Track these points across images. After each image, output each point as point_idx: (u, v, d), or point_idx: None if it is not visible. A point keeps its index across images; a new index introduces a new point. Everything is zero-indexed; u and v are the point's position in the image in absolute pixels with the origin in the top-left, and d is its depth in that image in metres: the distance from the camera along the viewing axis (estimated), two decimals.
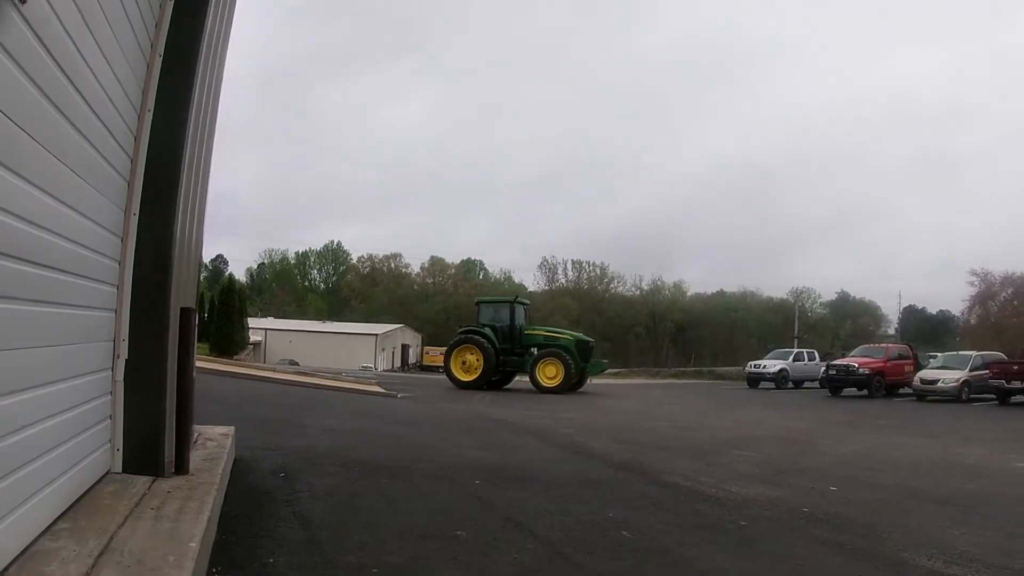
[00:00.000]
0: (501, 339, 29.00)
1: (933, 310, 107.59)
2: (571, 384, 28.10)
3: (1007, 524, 7.40)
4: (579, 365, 28.56)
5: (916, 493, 9.11)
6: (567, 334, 30.88)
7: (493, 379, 28.71)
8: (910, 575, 5.46)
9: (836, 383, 33.71)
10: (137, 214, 5.07)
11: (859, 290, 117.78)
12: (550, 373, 28.05)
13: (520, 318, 30.38)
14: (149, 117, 5.18)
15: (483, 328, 29.35)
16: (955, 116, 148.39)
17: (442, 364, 32.31)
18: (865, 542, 6.32)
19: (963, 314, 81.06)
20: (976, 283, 75.55)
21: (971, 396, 30.32)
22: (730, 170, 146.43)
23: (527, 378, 28.79)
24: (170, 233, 5.20)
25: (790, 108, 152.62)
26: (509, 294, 41.80)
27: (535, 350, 28.92)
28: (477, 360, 28.33)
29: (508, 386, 30.08)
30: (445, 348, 32.32)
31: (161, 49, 5.28)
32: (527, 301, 33.31)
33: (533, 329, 31.05)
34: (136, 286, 5.06)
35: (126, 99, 4.82)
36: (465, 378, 28.32)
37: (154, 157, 5.16)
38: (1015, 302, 75.05)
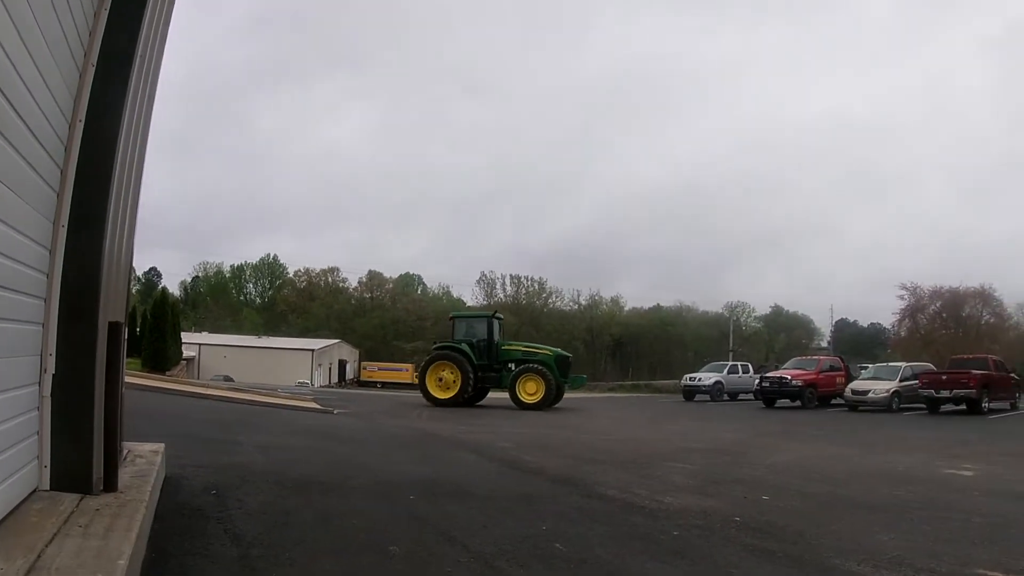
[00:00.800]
0: (478, 355, 28.47)
1: (865, 323, 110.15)
2: (551, 400, 27.76)
3: (935, 529, 7.57)
4: (559, 380, 28.30)
5: (846, 501, 9.27)
6: (546, 349, 30.51)
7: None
8: None
9: (770, 395, 34.17)
10: (66, 226, 4.98)
11: (793, 304, 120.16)
12: (530, 389, 27.67)
13: (496, 333, 29.89)
14: (80, 127, 5.10)
15: (459, 344, 28.80)
16: (885, 137, 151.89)
17: (381, 380, 31.99)
18: (795, 549, 6.42)
19: (893, 327, 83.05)
20: (906, 297, 77.69)
21: (901, 406, 30.97)
22: (667, 188, 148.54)
23: (503, 394, 28.54)
24: (99, 246, 5.12)
25: (726, 129, 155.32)
26: (471, 308, 41.39)
27: (512, 366, 28.48)
28: (454, 376, 27.65)
29: (481, 403, 29.67)
30: (383, 363, 32.02)
31: (94, 59, 5.20)
32: (502, 316, 32.82)
33: (510, 344, 30.72)
34: (64, 299, 4.96)
35: (57, 109, 4.75)
36: (441, 395, 27.59)
37: (85, 168, 5.07)
38: (943, 315, 77.24)
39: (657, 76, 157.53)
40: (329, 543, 5.70)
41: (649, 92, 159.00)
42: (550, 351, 30.01)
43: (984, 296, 76.67)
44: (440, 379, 27.90)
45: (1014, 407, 31.99)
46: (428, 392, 27.98)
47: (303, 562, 5.14)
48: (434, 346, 30.96)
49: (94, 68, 5.20)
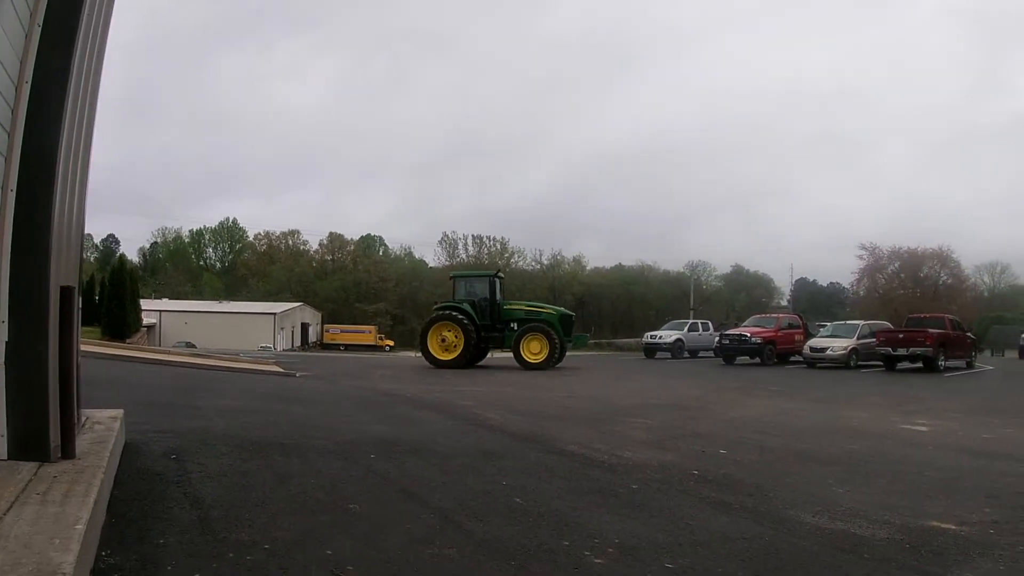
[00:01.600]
0: (480, 315, 28.15)
1: (824, 282, 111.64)
2: (556, 359, 27.63)
3: (888, 481, 7.74)
4: (563, 339, 28.06)
5: (803, 454, 9.44)
6: (549, 308, 30.35)
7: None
8: (795, 531, 5.66)
9: (730, 352, 34.49)
10: (14, 190, 4.91)
11: (753, 264, 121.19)
12: (534, 349, 27.53)
13: (498, 293, 29.59)
14: (27, 89, 5.01)
15: (461, 304, 28.49)
16: (848, 102, 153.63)
17: (344, 343, 31.64)
18: (752, 501, 6.53)
19: (852, 286, 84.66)
20: (865, 257, 79.09)
21: (859, 363, 31.43)
22: (631, 148, 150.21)
23: (502, 354, 28.45)
24: (49, 210, 5.05)
25: (691, 91, 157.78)
26: (471, 270, 40.72)
27: (515, 325, 28.23)
28: (456, 337, 27.41)
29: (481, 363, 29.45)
30: (346, 326, 31.61)
31: (40, 19, 5.10)
32: (503, 275, 32.25)
33: (512, 304, 30.40)
34: (14, 265, 4.90)
35: (3, 71, 4.67)
36: (444, 357, 27.35)
37: (32, 131, 4.99)
38: (902, 274, 78.58)
39: (622, 38, 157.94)
40: (288, 503, 5.71)
41: (614, 54, 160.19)
42: (553, 310, 29.94)
43: (942, 257, 78.17)
44: (443, 340, 27.66)
45: (970, 365, 32.70)
46: (430, 354, 27.75)
47: (262, 523, 5.15)
48: (435, 306, 30.61)
49: (40, 28, 5.11)
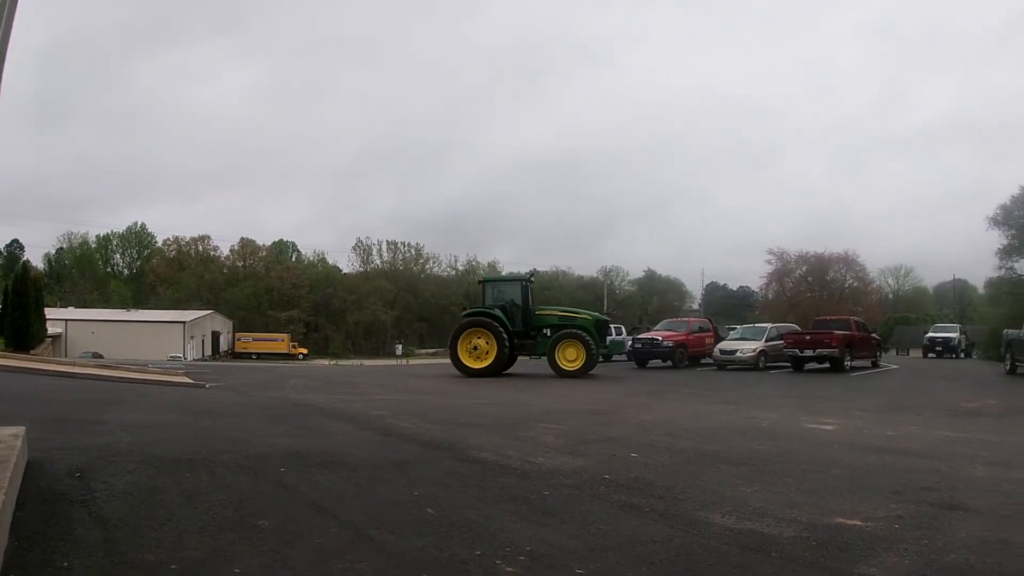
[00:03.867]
0: (511, 321, 27.14)
1: (734, 286, 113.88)
2: (592, 366, 26.77)
3: (796, 480, 7.91)
4: (599, 346, 27.40)
5: (713, 456, 9.59)
6: (584, 313, 29.30)
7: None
8: (704, 532, 5.75)
9: (642, 356, 34.68)
10: None
11: (666, 269, 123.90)
12: (570, 356, 26.58)
13: (531, 298, 28.56)
14: None
15: (492, 309, 27.47)
16: (760, 112, 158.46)
17: (256, 352, 30.79)
18: (662, 504, 6.62)
19: (761, 290, 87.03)
20: (773, 261, 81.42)
21: (767, 365, 32.12)
22: (548, 156, 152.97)
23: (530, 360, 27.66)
24: None
25: (607, 101, 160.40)
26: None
27: (548, 332, 27.47)
28: (488, 344, 26.55)
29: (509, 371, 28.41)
30: (258, 334, 30.75)
31: None
32: (534, 279, 31.09)
33: (545, 309, 29.63)
34: None
35: None
36: (475, 365, 26.53)
37: None
38: (809, 278, 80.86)
39: (541, 48, 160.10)
40: (196, 521, 5.61)
41: (532, 63, 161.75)
42: (589, 315, 28.93)
43: (848, 261, 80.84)
44: (474, 348, 26.80)
45: (875, 365, 33.62)
46: (460, 362, 26.92)
47: (169, 542, 5.06)
48: (464, 312, 29.72)
49: None
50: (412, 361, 28.31)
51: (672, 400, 18.17)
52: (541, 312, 28.63)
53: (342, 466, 8.14)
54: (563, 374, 26.19)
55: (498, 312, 27.09)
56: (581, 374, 26.11)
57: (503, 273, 32.18)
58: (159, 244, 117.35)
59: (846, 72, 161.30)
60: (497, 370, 26.52)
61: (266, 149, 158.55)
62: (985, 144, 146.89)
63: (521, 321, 27.50)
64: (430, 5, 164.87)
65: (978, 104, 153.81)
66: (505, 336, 26.44)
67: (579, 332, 26.92)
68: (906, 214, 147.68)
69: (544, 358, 27.54)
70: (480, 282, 31.28)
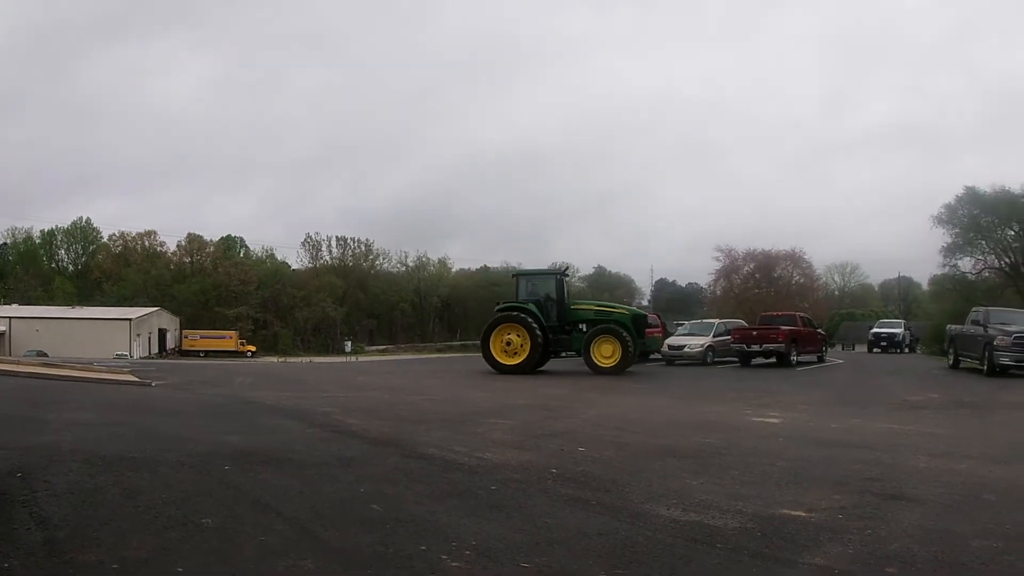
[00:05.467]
0: (545, 316, 26.02)
1: (683, 283, 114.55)
2: (629, 363, 25.66)
3: (742, 473, 7.98)
4: (637, 342, 26.34)
5: (659, 449, 9.66)
6: (621, 308, 28.58)
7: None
8: (650, 525, 5.79)
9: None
10: None
11: (616, 265, 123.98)
12: (606, 352, 25.31)
13: (565, 292, 27.46)
14: None
15: (526, 304, 26.35)
16: (710, 113, 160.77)
17: (204, 349, 30.17)
18: (609, 497, 6.66)
19: (710, 286, 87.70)
20: (721, 258, 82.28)
21: (715, 360, 32.34)
22: (500, 153, 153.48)
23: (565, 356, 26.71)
24: None
25: (559, 98, 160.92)
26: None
27: (583, 327, 26.14)
28: (521, 340, 25.47)
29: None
30: (205, 331, 30.02)
31: None
32: (569, 273, 29.82)
33: (580, 304, 28.73)
34: None
35: None
36: (509, 361, 25.48)
37: None
38: (756, 275, 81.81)
39: (494, 47, 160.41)
40: (139, 520, 5.57)
41: (485, 62, 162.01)
42: (626, 310, 28.17)
43: (795, 258, 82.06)
44: (507, 343, 25.76)
45: (821, 360, 34.08)
46: (493, 358, 25.96)
47: (111, 542, 5.01)
48: (497, 307, 28.09)
49: None
50: (362, 358, 28.02)
51: (620, 395, 18.28)
52: (576, 306, 27.61)
53: (288, 463, 8.11)
54: (599, 371, 25.15)
55: (532, 307, 26.15)
56: (618, 371, 25.03)
57: (536, 268, 29.69)
58: (105, 240, 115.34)
59: (795, 75, 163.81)
60: (531, 367, 25.54)
61: (214, 144, 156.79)
62: (929, 146, 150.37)
63: (556, 316, 26.43)
64: (386, 2, 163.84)
65: (922, 107, 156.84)
66: (539, 331, 25.48)
67: (615, 327, 25.81)
68: (853, 213, 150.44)
69: (574, 356, 26.60)
70: (513, 276, 29.67)
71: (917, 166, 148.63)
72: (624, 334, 25.40)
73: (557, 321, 26.28)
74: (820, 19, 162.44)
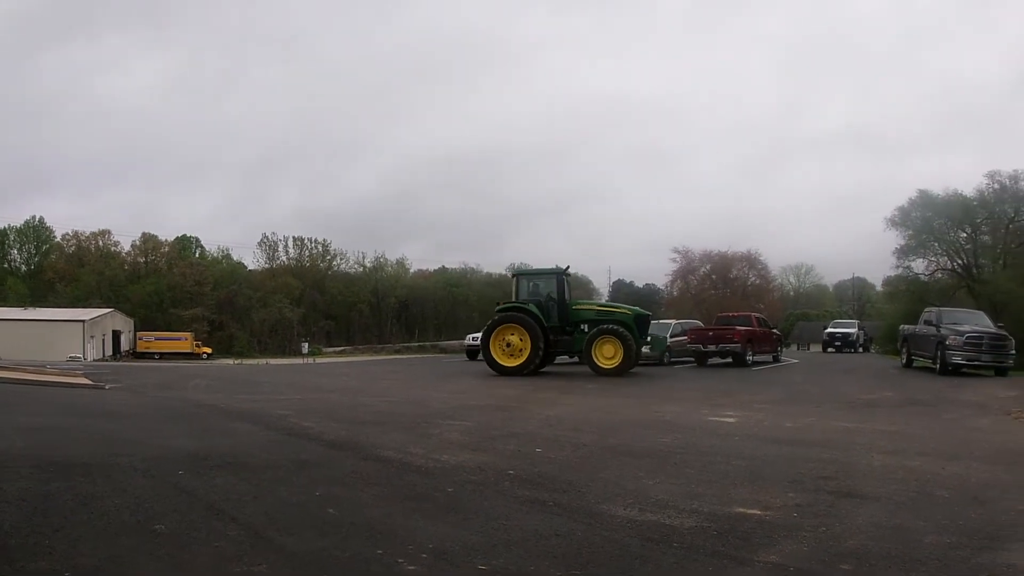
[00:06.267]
0: (547, 316, 25.67)
1: (640, 284, 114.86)
2: (631, 364, 25.41)
3: (697, 471, 8.09)
4: (639, 343, 26.11)
5: (616, 449, 9.74)
6: (624, 308, 28.00)
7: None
8: (607, 525, 5.84)
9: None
10: None
11: (573, 266, 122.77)
12: (608, 353, 25.05)
13: (567, 292, 27.04)
14: None
15: (526, 304, 26.02)
16: (669, 116, 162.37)
17: (159, 351, 29.69)
18: (566, 498, 6.70)
19: (667, 287, 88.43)
20: (678, 260, 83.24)
21: (672, 360, 32.71)
22: (458, 154, 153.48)
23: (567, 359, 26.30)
24: None
25: (517, 100, 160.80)
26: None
27: (585, 327, 25.95)
28: (522, 341, 25.12)
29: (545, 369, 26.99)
30: (160, 333, 29.44)
31: None
32: (571, 272, 29.18)
33: (582, 304, 28.72)
34: None
35: None
36: (509, 363, 25.11)
37: None
38: (713, 276, 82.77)
39: (454, 48, 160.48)
40: (91, 527, 5.50)
41: (449, 62, 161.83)
42: (628, 310, 27.52)
43: (751, 260, 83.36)
44: (507, 344, 25.41)
45: (776, 359, 34.57)
46: (493, 360, 25.58)
47: (63, 549, 4.96)
48: (497, 308, 27.74)
49: None
50: (320, 359, 27.80)
51: (577, 395, 18.32)
52: (578, 307, 27.54)
53: (242, 467, 8.05)
54: (601, 372, 24.91)
55: (532, 307, 25.84)
56: (620, 372, 24.76)
57: (537, 268, 28.86)
58: (58, 239, 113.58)
59: (751, 79, 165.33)
60: (532, 369, 25.13)
61: (170, 143, 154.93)
62: (881, 150, 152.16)
63: (557, 316, 26.11)
64: (344, 1, 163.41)
65: (875, 112, 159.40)
66: (540, 332, 25.16)
67: (617, 327, 25.53)
68: (807, 215, 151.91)
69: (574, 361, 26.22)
70: (513, 276, 29.77)
71: (870, 169, 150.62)
72: (626, 334, 25.22)
73: (558, 321, 26.03)
74: (777, 25, 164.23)
